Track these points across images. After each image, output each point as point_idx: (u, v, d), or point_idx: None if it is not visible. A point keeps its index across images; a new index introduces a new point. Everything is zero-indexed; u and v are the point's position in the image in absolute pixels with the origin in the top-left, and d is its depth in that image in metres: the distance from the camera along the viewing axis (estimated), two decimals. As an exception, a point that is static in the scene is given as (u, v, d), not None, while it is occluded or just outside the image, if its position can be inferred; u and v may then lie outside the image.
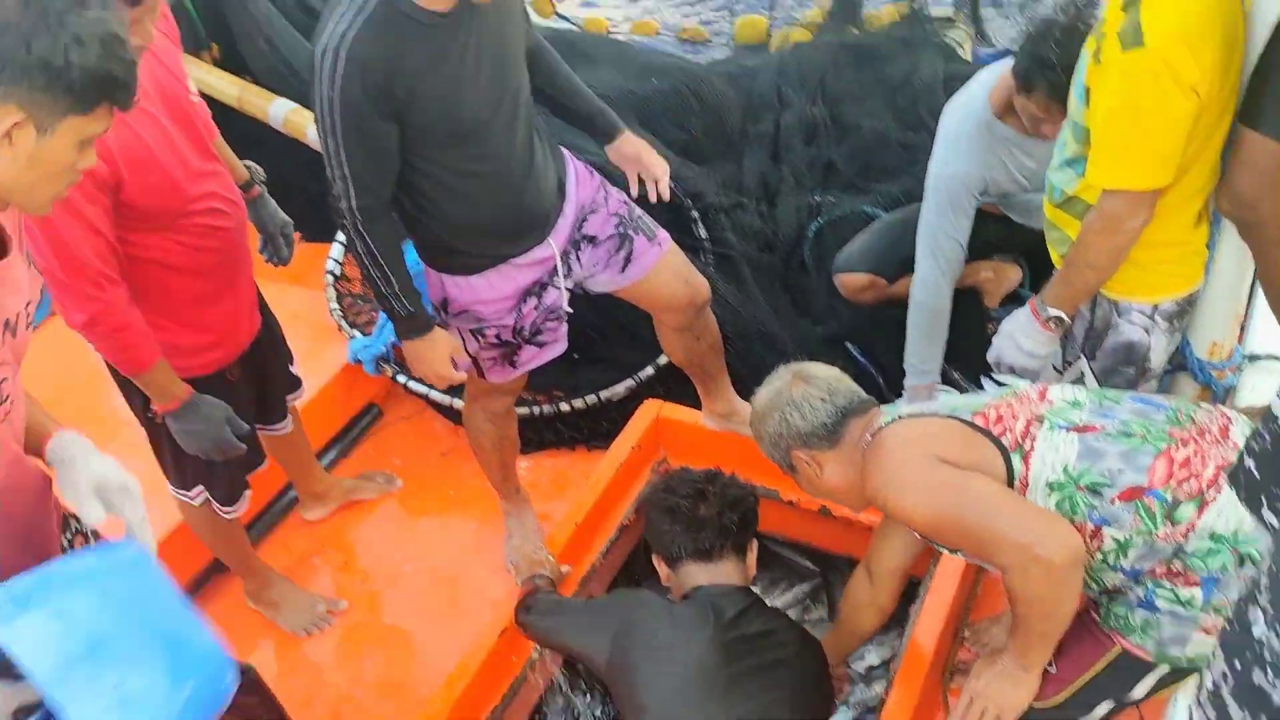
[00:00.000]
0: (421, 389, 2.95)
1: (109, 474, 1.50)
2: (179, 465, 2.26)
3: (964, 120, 2.64)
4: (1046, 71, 2.32)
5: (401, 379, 2.97)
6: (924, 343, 2.77)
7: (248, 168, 2.32)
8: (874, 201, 3.38)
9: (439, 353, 2.15)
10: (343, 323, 3.08)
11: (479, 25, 1.92)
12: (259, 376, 2.36)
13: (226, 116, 2.94)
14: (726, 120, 3.72)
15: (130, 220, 1.91)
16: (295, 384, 2.54)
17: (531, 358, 2.30)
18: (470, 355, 2.27)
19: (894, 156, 3.58)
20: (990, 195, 2.72)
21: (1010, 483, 1.65)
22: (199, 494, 2.31)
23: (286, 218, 2.40)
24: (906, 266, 2.80)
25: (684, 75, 3.75)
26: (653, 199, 2.36)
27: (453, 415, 3.01)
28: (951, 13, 4.92)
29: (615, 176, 2.39)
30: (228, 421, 2.10)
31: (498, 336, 2.23)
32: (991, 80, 2.62)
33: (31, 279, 1.49)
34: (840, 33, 4.53)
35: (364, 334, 3.04)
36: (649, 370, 2.93)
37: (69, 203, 1.77)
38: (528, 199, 2.12)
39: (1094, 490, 1.61)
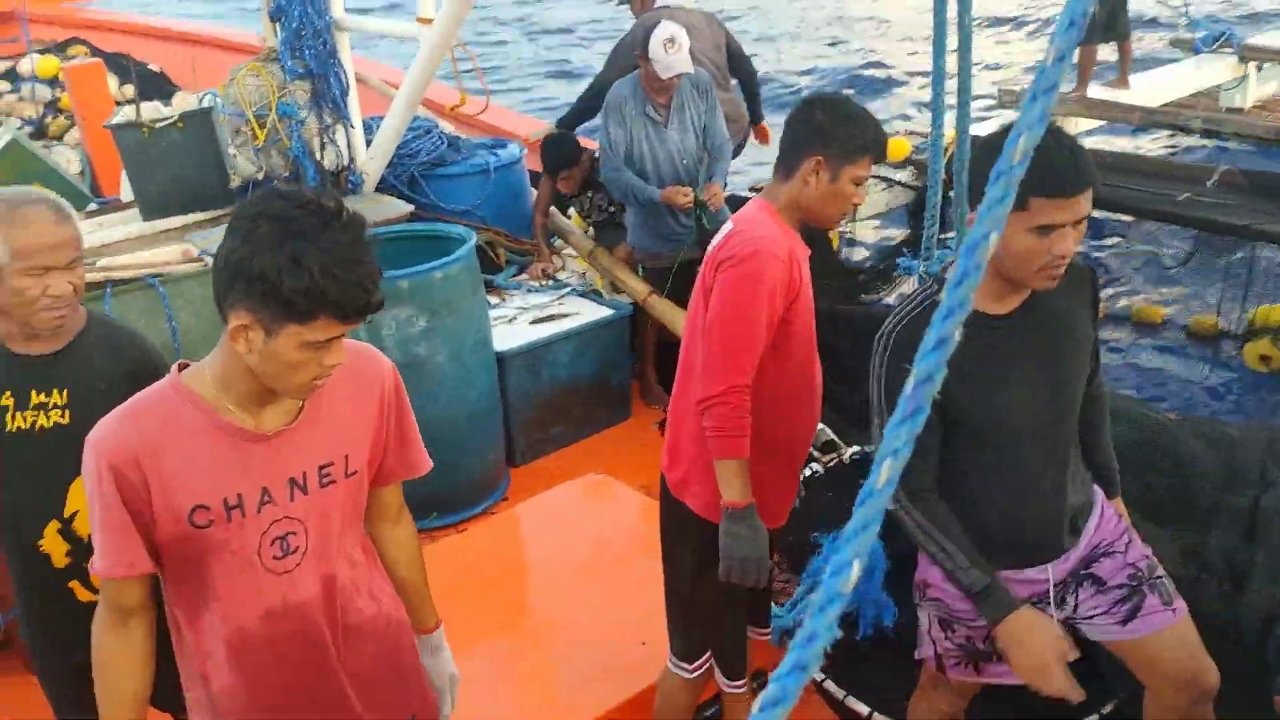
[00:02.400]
0: (818, 675, 2.94)
1: (455, 674, 2.00)
2: (699, 624, 2.51)
3: None
4: None
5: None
6: None
7: None
8: (1364, 614, 2.95)
9: (1041, 640, 1.97)
10: (759, 585, 3.18)
11: (1038, 335, 2.05)
12: None
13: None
14: (1195, 485, 3.48)
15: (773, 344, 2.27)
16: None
17: (1000, 674, 2.24)
18: (932, 641, 2.28)
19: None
20: None
21: None
22: (698, 666, 2.54)
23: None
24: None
25: (1156, 428, 3.59)
26: None
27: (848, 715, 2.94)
28: None
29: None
30: (763, 553, 2.29)
31: (966, 639, 2.22)
32: None
33: (332, 443, 1.73)
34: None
35: (776, 603, 3.11)
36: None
37: (770, 294, 2.18)
38: (1038, 517, 2.14)
39: None
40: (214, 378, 1.63)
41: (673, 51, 4.30)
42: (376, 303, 1.55)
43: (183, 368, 1.68)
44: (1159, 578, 2.23)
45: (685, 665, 2.55)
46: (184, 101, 5.30)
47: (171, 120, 4.72)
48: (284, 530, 1.69)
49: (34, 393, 2.09)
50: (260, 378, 1.59)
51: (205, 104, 5.14)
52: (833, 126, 2.26)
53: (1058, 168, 1.84)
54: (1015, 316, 2.01)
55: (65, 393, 2.10)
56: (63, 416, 2.10)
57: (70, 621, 1.90)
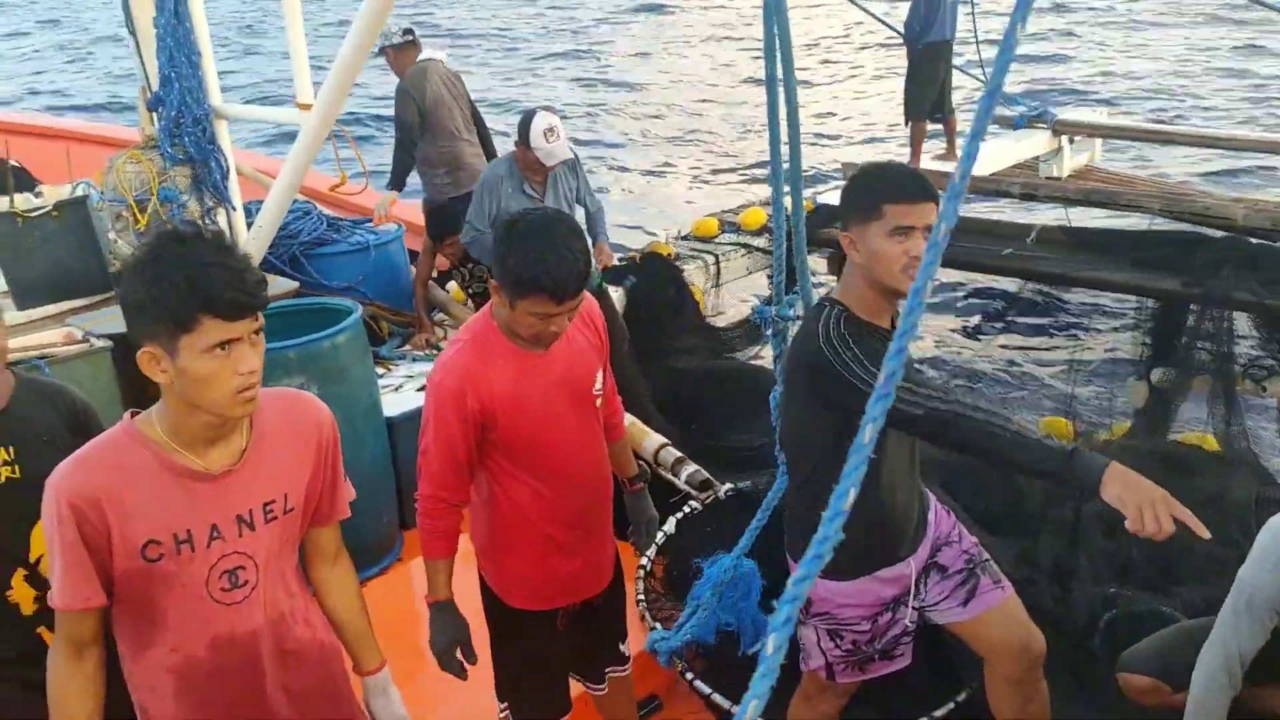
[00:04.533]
0: (706, 689, 3.19)
1: (404, 715, 2.09)
2: (498, 678, 2.65)
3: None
4: None
5: (689, 676, 3.22)
6: None
7: (641, 468, 2.79)
8: (1175, 604, 3.38)
9: (1146, 479, 1.86)
10: (646, 614, 3.43)
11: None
12: (586, 635, 2.70)
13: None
14: (1026, 499, 3.92)
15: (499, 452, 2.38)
16: (620, 660, 2.83)
17: (880, 669, 2.56)
18: (822, 652, 2.53)
19: (1198, 564, 3.59)
20: None
21: None
22: (504, 710, 2.67)
23: (655, 514, 2.81)
24: (1197, 677, 2.76)
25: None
26: None
27: (728, 722, 3.19)
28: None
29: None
30: (460, 645, 2.45)
31: (854, 643, 2.49)
32: None
33: (273, 481, 1.89)
34: (1150, 440, 4.67)
35: (664, 627, 3.36)
36: (949, 707, 3.01)
37: (441, 417, 2.26)
38: (910, 509, 2.44)
39: None
40: (161, 422, 1.80)
41: (553, 140, 4.66)
42: (256, 300, 1.69)
43: (135, 414, 1.84)
44: (986, 561, 2.59)
45: (500, 703, 2.70)
46: (54, 193, 5.34)
47: (46, 209, 4.78)
48: (234, 564, 1.84)
49: None
50: (190, 403, 1.73)
51: (79, 193, 5.21)
52: (505, 254, 2.15)
53: (903, 180, 2.27)
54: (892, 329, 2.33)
55: (12, 450, 2.22)
56: (13, 471, 2.22)
57: (37, 668, 1.99)
